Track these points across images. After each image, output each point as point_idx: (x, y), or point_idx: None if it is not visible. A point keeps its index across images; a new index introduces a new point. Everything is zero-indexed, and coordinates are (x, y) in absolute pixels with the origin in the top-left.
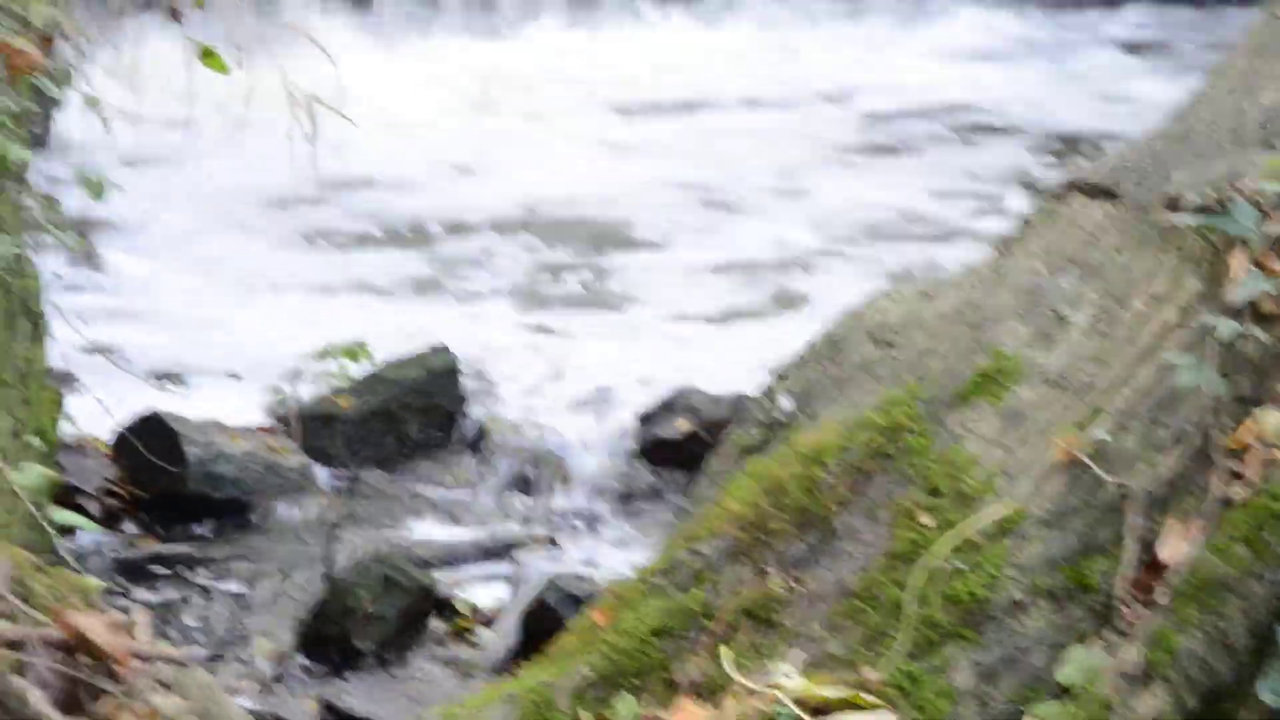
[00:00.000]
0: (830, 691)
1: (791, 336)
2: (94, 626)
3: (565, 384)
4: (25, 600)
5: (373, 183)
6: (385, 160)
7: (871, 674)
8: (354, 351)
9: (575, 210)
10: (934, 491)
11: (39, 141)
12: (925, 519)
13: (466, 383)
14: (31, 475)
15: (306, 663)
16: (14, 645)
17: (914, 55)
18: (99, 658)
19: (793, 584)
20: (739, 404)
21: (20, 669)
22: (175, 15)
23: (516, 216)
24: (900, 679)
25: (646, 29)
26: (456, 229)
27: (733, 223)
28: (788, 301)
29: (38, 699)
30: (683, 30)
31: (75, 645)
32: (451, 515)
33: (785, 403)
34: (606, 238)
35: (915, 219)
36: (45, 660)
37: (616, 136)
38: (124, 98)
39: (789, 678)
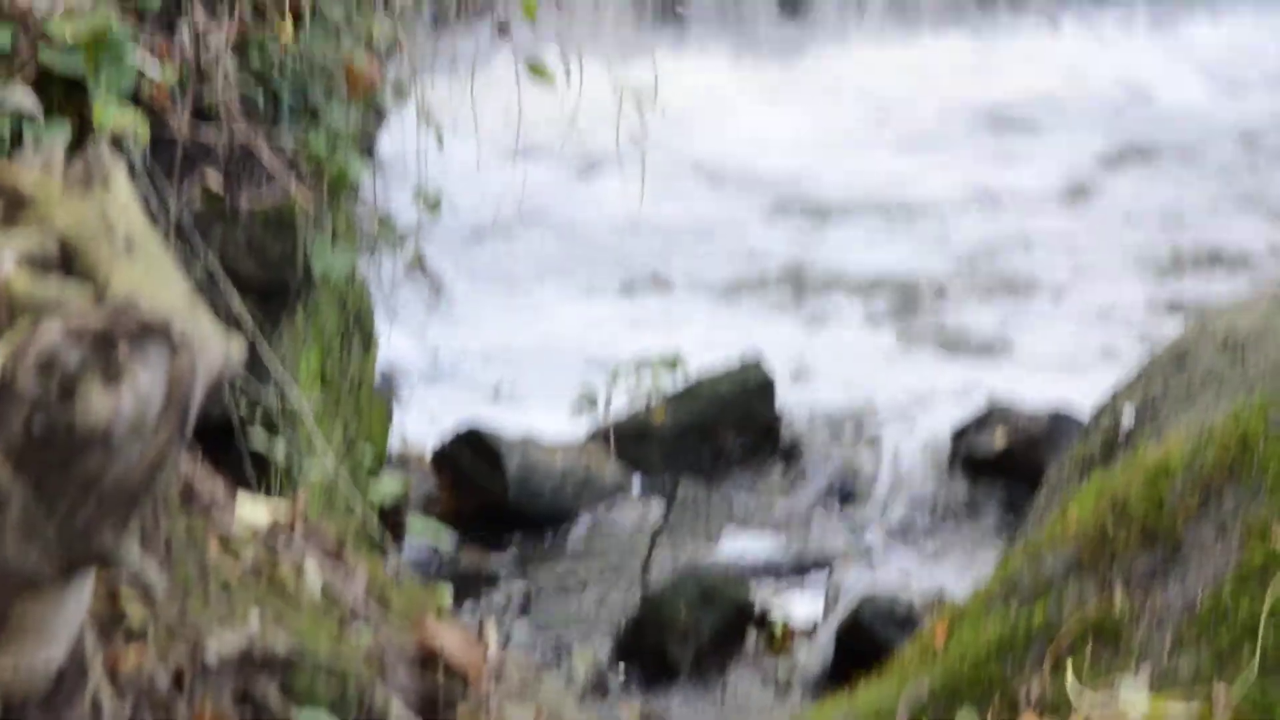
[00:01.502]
0: (1180, 711)
1: (1106, 350)
2: (451, 638)
3: (880, 396)
4: (384, 611)
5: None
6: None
7: (1222, 694)
8: (671, 363)
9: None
10: None
11: (369, 154)
12: (1279, 535)
13: (782, 395)
14: (389, 486)
15: (624, 674)
16: (375, 655)
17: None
18: (454, 668)
19: (1138, 600)
20: (1056, 418)
21: (382, 678)
22: (504, 30)
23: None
24: (1254, 699)
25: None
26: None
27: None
28: (1100, 313)
29: (399, 709)
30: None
31: (433, 656)
32: (767, 528)
33: (1129, 414)
34: (930, 250)
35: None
36: (404, 671)
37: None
38: (458, 111)
39: (1136, 696)
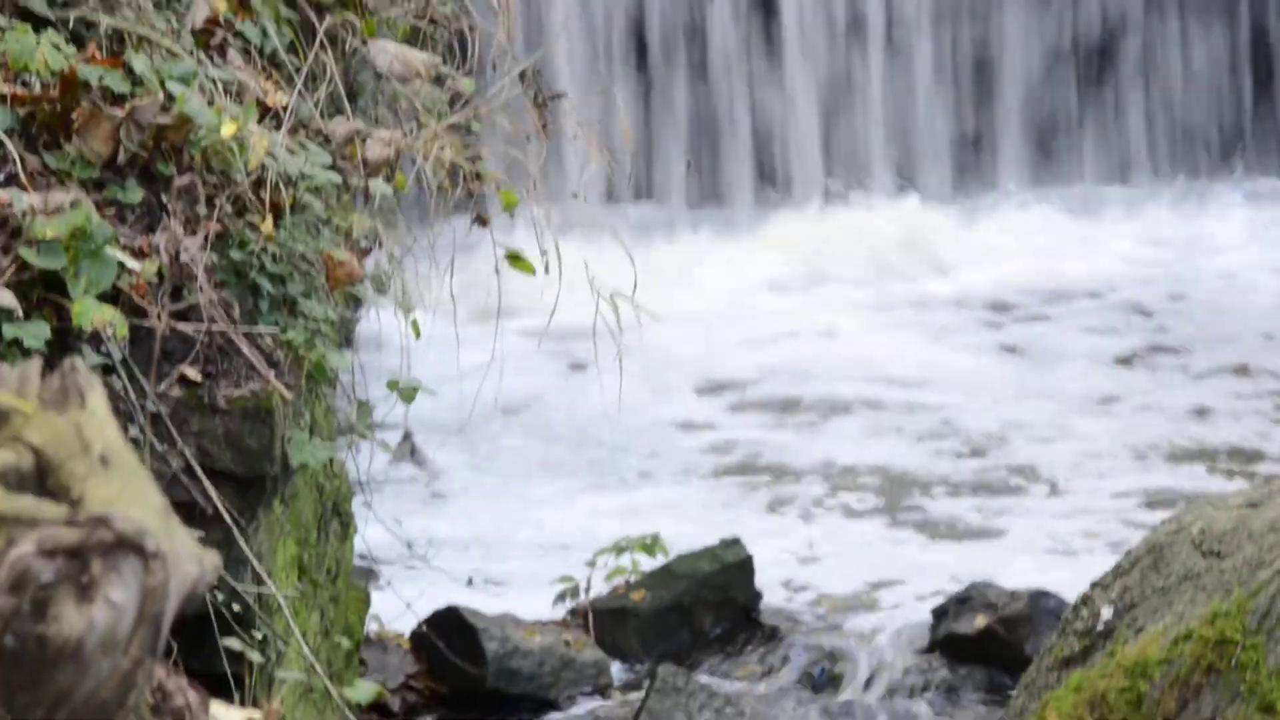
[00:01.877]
0: None
1: (1080, 536)
2: None
3: (861, 579)
4: None
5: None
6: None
7: None
8: (650, 546)
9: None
10: (1268, 709)
11: (348, 342)
12: None
13: (762, 577)
14: (364, 692)
15: None
16: None
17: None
18: None
19: None
20: (1037, 598)
21: None
22: (483, 222)
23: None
24: None
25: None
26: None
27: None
28: (1070, 494)
29: None
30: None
31: None
32: (746, 712)
33: (1106, 612)
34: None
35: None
36: None
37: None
38: (436, 300)
39: None
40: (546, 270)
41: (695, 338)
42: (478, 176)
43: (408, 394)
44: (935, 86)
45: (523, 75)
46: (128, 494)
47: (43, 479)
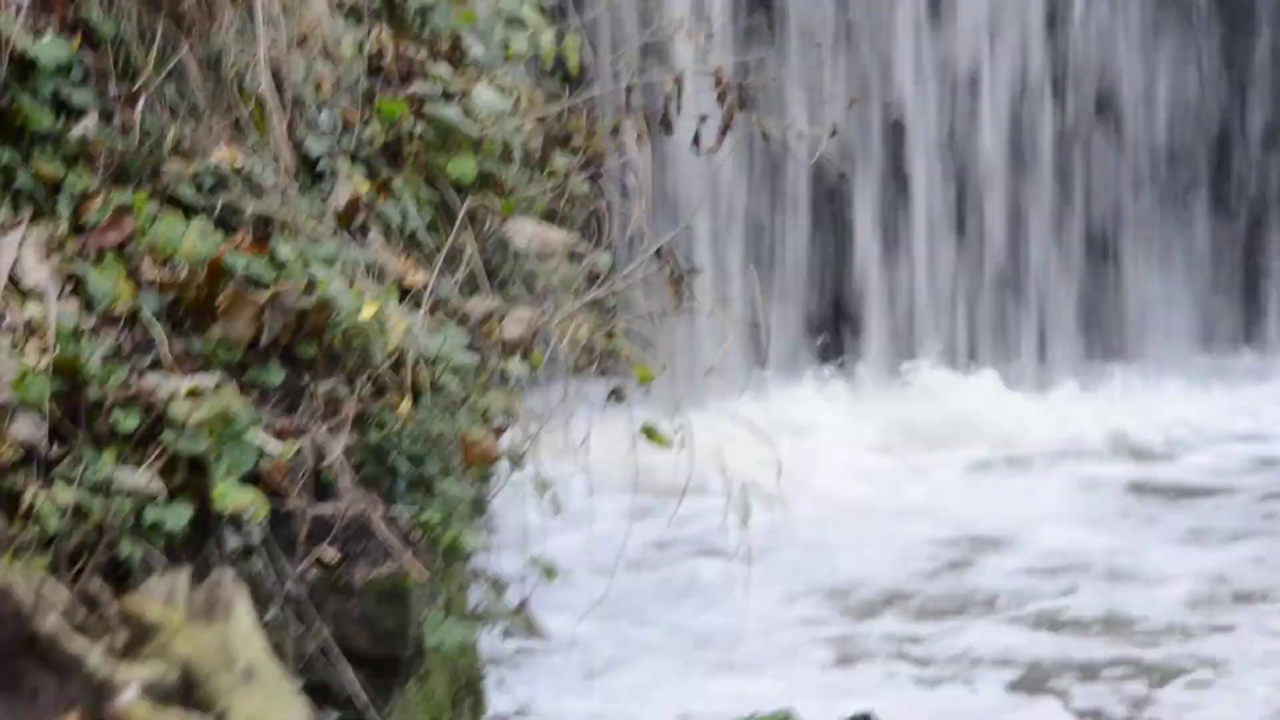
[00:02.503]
0: None
1: None
2: None
3: None
4: None
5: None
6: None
7: None
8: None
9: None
10: None
11: (480, 512)
12: None
13: None
14: None
15: None
16: None
17: None
18: None
19: None
20: None
21: None
22: (619, 397)
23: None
24: None
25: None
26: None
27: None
28: None
29: None
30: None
31: None
32: None
33: None
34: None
35: None
36: None
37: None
38: (574, 473)
39: None
40: (680, 446)
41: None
42: (613, 352)
43: (549, 572)
44: None
45: (659, 252)
46: (272, 708)
47: (189, 692)
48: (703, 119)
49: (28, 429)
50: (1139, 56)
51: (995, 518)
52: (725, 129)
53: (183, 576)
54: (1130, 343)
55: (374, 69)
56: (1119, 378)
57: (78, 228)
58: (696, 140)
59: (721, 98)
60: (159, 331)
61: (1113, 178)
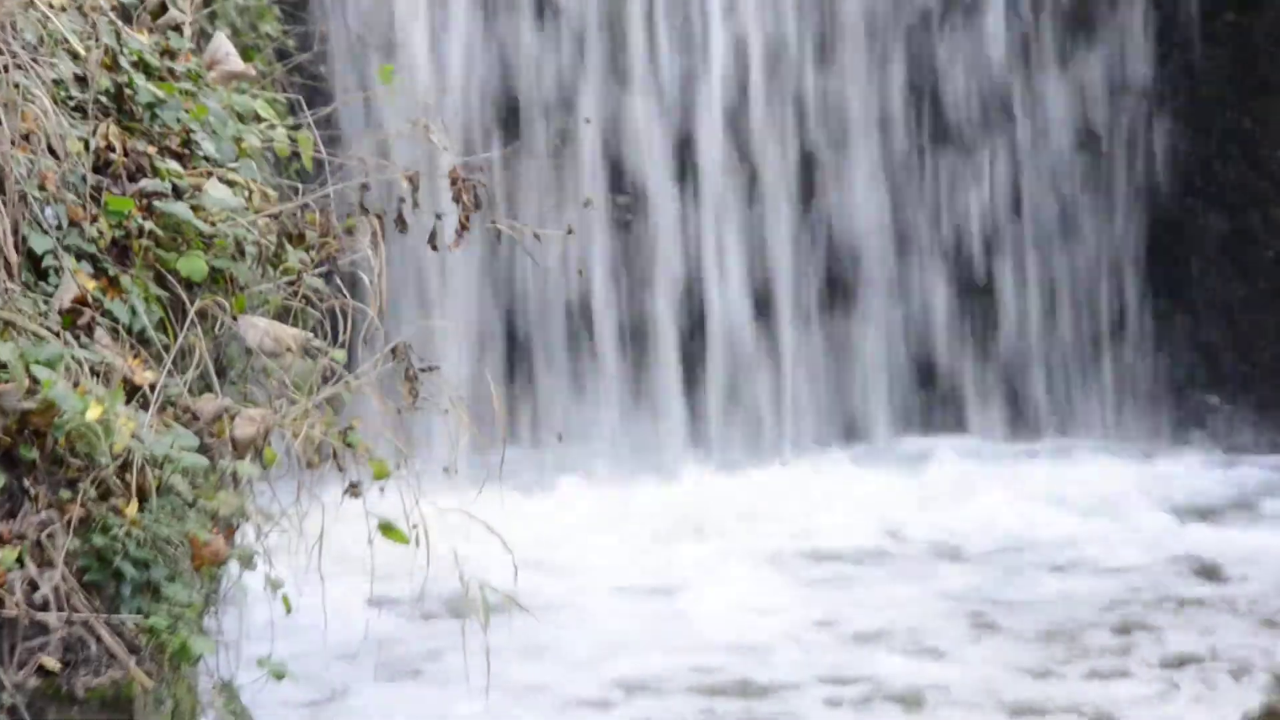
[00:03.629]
0: None
1: None
2: None
3: None
4: None
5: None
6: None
7: None
8: None
9: None
10: None
11: (216, 620)
12: None
13: None
14: None
15: None
16: None
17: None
18: None
19: None
20: None
21: None
22: (355, 491)
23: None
24: None
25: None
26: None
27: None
28: None
29: None
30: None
31: None
32: None
33: None
34: None
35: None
36: None
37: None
38: (306, 573)
39: None
40: (417, 543)
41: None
42: (349, 446)
43: (278, 674)
44: None
45: (394, 350)
46: None
47: None
48: (438, 217)
49: None
50: None
51: None
52: (462, 228)
53: None
54: None
55: (102, 165)
56: None
57: None
58: (433, 239)
59: (457, 198)
60: None
61: None
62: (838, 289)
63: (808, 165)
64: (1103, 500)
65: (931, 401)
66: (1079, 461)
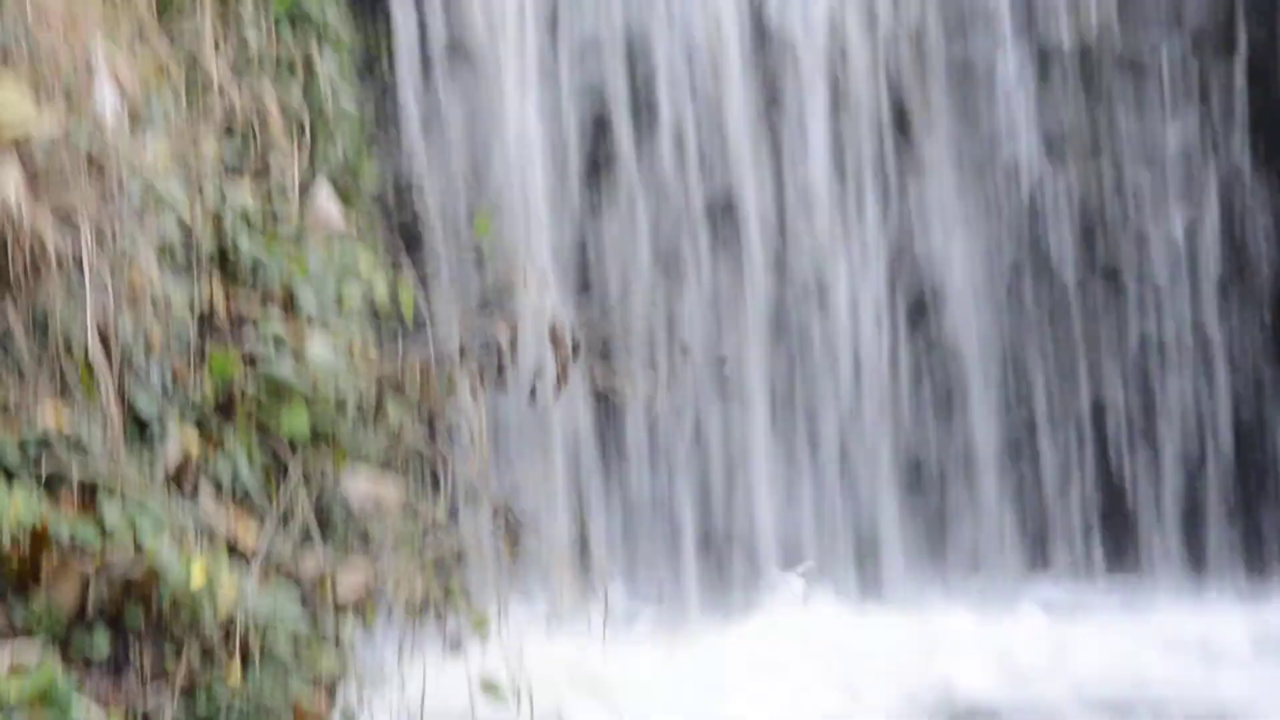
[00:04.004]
0: None
1: None
2: None
3: None
4: None
5: None
6: None
7: None
8: None
9: None
10: None
11: None
12: None
13: None
14: None
15: None
16: None
17: None
18: None
19: None
20: None
21: None
22: (456, 646)
23: None
24: None
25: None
26: None
27: None
28: None
29: None
30: None
31: None
32: None
33: None
34: None
35: None
36: None
37: None
38: None
39: None
40: (519, 700)
41: None
42: (449, 603)
43: None
44: None
45: (494, 508)
46: None
47: None
48: (538, 372)
49: None
50: None
51: None
52: (560, 381)
53: None
54: None
55: (205, 322)
56: None
57: None
58: (533, 393)
59: (556, 350)
60: None
61: None
62: None
63: None
64: None
65: None
66: None
